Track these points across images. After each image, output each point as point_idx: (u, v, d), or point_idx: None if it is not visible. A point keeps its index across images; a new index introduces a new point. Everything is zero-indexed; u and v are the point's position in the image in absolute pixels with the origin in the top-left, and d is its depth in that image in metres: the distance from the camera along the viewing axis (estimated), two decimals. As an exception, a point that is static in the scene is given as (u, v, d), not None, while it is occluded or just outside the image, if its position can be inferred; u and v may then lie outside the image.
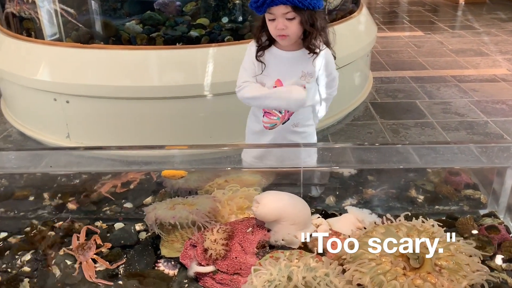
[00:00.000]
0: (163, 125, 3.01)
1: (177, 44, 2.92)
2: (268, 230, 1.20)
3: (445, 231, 1.33)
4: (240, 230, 1.21)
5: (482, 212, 1.42)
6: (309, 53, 1.58)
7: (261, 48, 1.61)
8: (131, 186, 1.53)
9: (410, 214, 1.20)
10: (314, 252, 1.13)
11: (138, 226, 1.36)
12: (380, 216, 1.34)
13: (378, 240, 1.05)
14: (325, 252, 1.15)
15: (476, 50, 5.35)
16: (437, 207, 1.44)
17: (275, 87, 1.61)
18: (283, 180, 1.47)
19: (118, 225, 1.39)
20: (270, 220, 1.19)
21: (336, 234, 1.22)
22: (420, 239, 1.06)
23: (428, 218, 1.36)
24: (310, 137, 1.72)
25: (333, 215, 1.35)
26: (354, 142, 1.42)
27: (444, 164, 1.49)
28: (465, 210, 1.43)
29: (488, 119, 3.58)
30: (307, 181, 1.44)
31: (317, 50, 1.57)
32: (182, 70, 2.93)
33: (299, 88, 1.58)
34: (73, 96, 2.97)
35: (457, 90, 4.18)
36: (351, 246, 1.05)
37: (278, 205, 1.20)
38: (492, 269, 1.19)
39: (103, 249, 1.28)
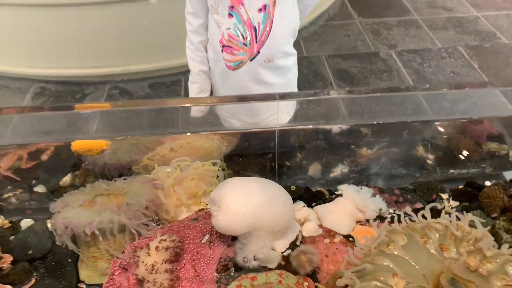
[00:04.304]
0: (98, 38, 2.45)
1: None
2: (233, 238, 0.84)
3: (466, 208, 1.03)
4: (192, 239, 0.84)
5: (510, 174, 1.09)
6: None
7: None
8: (43, 158, 1.11)
9: (412, 187, 0.87)
10: (299, 274, 0.79)
11: (53, 223, 0.97)
12: (382, 191, 1.01)
13: (399, 260, 0.72)
14: (316, 271, 0.81)
15: None
16: (451, 171, 1.11)
17: (232, 7, 1.13)
18: (252, 143, 1.08)
19: (26, 222, 1.00)
20: (238, 234, 0.82)
21: (329, 234, 0.87)
22: (459, 253, 0.73)
23: (447, 195, 1.05)
24: (290, 72, 1.28)
25: (320, 196, 1.00)
26: (344, 90, 1.01)
27: (458, 114, 1.12)
28: (488, 173, 1.11)
29: (479, 14, 3.16)
30: (283, 143, 1.05)
31: None
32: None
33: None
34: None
35: (444, -22, 3.66)
36: (360, 274, 0.71)
37: (248, 209, 0.80)
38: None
39: (3, 265, 0.90)
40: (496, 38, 2.88)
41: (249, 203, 0.80)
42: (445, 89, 1.14)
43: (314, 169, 1.07)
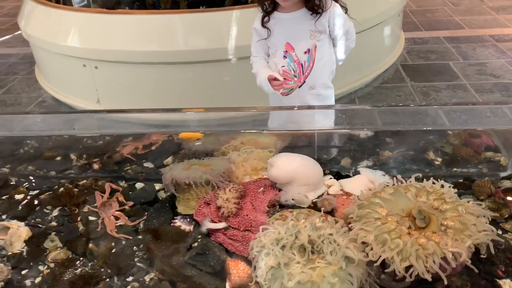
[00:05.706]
0: (189, 90, 3.05)
1: (201, 7, 2.91)
2: (279, 190, 1.23)
3: (461, 194, 1.33)
4: (252, 190, 1.24)
5: (502, 174, 1.39)
6: (311, 14, 1.57)
7: (266, 14, 1.62)
8: (153, 148, 1.58)
9: (421, 176, 1.20)
10: (322, 212, 1.15)
11: (158, 186, 1.42)
12: (394, 177, 1.34)
13: (386, 200, 1.06)
14: (334, 211, 1.17)
15: (519, 7, 5.05)
16: (454, 169, 1.42)
17: (286, 51, 1.61)
18: (299, 143, 1.49)
19: (139, 185, 1.45)
20: (283, 182, 1.21)
21: (347, 194, 1.23)
22: (428, 199, 1.07)
23: (442, 180, 1.36)
24: (328, 100, 1.71)
25: (347, 177, 1.36)
26: (372, 104, 1.40)
27: (464, 125, 1.46)
28: (484, 173, 1.41)
29: (526, 81, 3.42)
30: (322, 143, 1.45)
31: (320, 10, 1.56)
32: (206, 33, 2.93)
33: (262, 76, 1.67)
34: (101, 62, 3.04)
35: (495, 50, 3.99)
36: (359, 206, 1.07)
37: (290, 167, 1.21)
38: (506, 231, 1.18)
39: (125, 207, 1.34)
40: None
41: (291, 164, 1.20)
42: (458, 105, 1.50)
43: (345, 162, 1.44)
